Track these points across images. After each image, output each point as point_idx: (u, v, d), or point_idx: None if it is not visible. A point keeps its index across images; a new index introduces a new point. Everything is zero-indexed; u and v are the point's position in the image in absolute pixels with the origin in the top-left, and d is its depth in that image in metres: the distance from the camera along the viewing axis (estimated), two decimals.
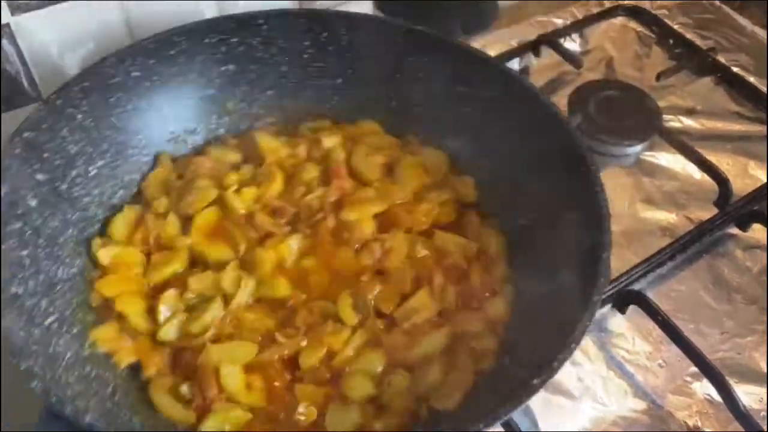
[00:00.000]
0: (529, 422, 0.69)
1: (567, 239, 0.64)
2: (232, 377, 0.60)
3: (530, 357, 0.57)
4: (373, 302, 0.66)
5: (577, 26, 1.07)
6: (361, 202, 0.72)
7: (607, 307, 0.77)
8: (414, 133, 0.80)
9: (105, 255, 0.68)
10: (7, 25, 0.73)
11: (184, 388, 0.60)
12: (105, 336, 0.63)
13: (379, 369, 0.62)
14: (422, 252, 0.70)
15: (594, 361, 0.74)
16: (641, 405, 0.71)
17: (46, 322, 0.60)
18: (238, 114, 0.81)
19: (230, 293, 0.65)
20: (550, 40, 1.02)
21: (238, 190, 0.72)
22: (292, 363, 0.64)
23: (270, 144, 0.78)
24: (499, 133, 0.74)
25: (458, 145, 0.79)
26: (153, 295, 0.67)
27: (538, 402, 0.70)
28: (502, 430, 0.66)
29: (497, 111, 0.74)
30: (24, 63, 0.78)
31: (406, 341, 0.63)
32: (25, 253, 0.61)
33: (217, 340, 0.63)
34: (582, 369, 0.73)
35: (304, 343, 0.63)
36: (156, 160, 0.77)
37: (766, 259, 0.82)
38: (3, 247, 0.59)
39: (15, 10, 0.73)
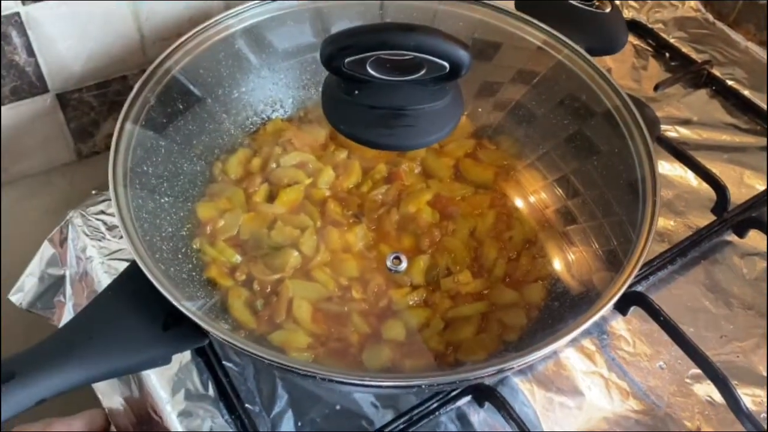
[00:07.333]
0: (533, 420, 0.69)
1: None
2: (302, 309, 0.68)
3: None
4: (441, 271, 0.71)
5: None
6: (415, 194, 0.76)
7: (608, 309, 0.78)
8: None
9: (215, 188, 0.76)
10: (17, 14, 0.73)
11: (259, 304, 0.68)
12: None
13: (419, 322, 0.68)
14: (485, 226, 0.75)
15: (596, 363, 0.75)
16: (642, 406, 0.72)
17: (162, 200, 0.70)
18: None
19: (307, 255, 0.71)
20: None
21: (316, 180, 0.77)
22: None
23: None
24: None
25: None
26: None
27: (541, 401, 0.71)
28: (510, 429, 0.66)
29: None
30: (32, 54, 0.78)
31: (449, 304, 0.70)
32: (162, 143, 0.72)
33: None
34: (584, 370, 0.74)
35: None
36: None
37: (764, 266, 0.84)
38: (148, 133, 0.70)
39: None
